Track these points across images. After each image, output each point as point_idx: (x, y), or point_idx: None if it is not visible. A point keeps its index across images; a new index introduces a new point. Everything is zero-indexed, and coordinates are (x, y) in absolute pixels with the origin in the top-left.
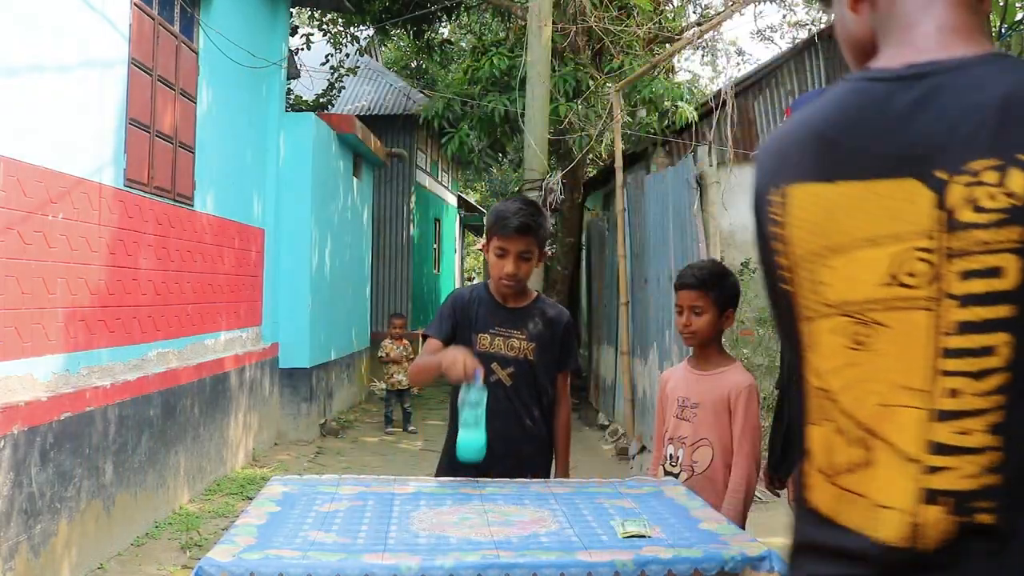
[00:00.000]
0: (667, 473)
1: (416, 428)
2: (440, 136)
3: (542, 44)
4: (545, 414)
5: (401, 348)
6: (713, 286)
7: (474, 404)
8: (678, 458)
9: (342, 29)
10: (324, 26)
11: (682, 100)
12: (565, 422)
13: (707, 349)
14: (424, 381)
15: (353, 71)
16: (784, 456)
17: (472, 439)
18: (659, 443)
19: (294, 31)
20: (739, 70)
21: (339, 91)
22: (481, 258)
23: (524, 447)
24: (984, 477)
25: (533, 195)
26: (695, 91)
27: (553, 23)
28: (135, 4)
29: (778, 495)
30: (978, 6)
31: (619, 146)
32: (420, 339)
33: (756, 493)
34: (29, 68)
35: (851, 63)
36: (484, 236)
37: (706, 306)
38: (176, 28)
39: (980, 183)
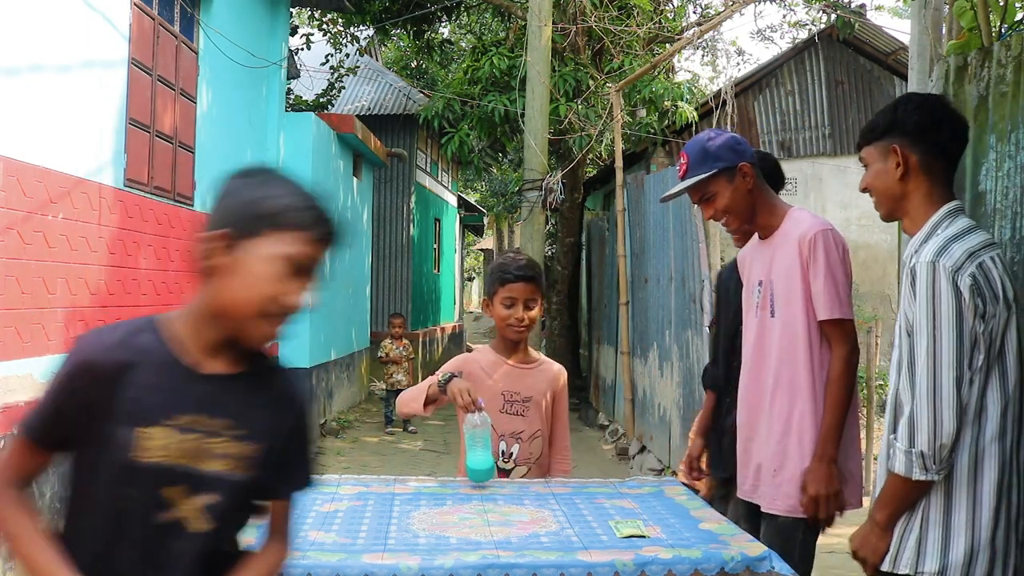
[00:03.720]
0: (499, 471)
1: (416, 428)
2: (440, 136)
3: (542, 44)
4: None
5: (401, 348)
6: (543, 279)
7: (481, 427)
8: (511, 454)
9: (342, 29)
10: (324, 26)
11: (682, 100)
12: None
13: (523, 343)
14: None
15: (353, 71)
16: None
17: (483, 460)
18: (429, 382)
19: (294, 31)
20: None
21: (339, 91)
22: (481, 258)
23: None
24: None
25: (533, 195)
26: (695, 91)
27: (553, 23)
28: (135, 4)
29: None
30: None
31: (619, 146)
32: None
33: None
34: (29, 68)
35: None
36: None
37: (538, 298)
38: (176, 28)
39: None
